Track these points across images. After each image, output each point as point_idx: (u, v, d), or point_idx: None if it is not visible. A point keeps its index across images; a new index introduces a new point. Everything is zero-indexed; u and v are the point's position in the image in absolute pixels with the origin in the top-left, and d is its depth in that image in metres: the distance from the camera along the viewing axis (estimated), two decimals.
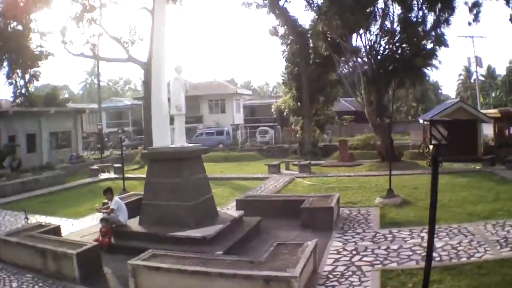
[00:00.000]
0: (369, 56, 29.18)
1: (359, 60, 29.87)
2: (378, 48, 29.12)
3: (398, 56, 28.58)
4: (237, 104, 64.31)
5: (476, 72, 51.31)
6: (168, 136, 13.47)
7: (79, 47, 41.40)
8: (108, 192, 13.17)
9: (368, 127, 53.04)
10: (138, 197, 15.67)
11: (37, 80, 41.07)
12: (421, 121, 36.92)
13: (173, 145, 13.33)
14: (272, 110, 55.66)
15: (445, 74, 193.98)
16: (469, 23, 29.71)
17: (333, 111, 44.31)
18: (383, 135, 29.05)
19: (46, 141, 37.00)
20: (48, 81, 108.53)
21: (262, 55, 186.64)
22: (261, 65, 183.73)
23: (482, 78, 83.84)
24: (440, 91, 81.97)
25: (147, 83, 40.90)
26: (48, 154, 36.72)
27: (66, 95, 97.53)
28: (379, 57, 29.04)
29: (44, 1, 36.36)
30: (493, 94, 79.82)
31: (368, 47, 29.05)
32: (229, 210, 15.96)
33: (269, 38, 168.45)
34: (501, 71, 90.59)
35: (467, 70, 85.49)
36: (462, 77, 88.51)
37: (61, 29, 39.09)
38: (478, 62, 48.53)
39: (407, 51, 28.40)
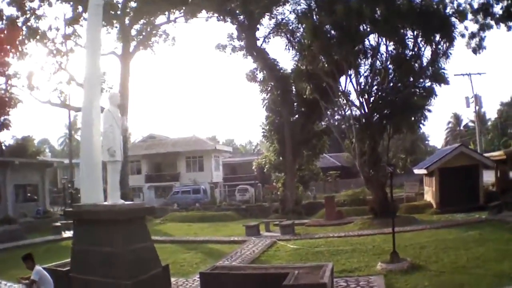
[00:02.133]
0: (360, 99, 26.31)
1: (349, 104, 27.05)
2: (370, 90, 26.31)
3: (393, 97, 25.58)
4: (216, 161, 61.89)
5: (475, 111, 48.45)
6: (100, 190, 10.32)
7: (47, 94, 38.57)
8: (28, 260, 10.18)
9: (354, 182, 50.76)
10: None
11: (8, 129, 38.44)
12: (417, 171, 34.16)
13: (105, 203, 10.23)
14: (253, 167, 53.07)
15: (432, 124, 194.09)
16: (474, 51, 27.88)
17: (317, 166, 41.48)
18: (376, 189, 25.99)
19: (11, 193, 34.76)
20: (28, 133, 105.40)
21: (246, 112, 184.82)
22: (245, 123, 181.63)
23: (472, 124, 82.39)
24: (427, 142, 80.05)
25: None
26: (12, 207, 34.29)
27: (47, 150, 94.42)
28: (371, 99, 26.21)
29: (15, 46, 33.76)
30: (483, 139, 77.95)
31: (358, 89, 26.24)
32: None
33: (249, 87, 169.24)
34: (491, 114, 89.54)
35: (456, 117, 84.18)
36: (450, 124, 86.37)
37: (27, 74, 36.33)
38: (477, 100, 45.91)
39: (403, 91, 25.57)
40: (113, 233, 9.27)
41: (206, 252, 20.07)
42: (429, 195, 32.33)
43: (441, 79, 25.33)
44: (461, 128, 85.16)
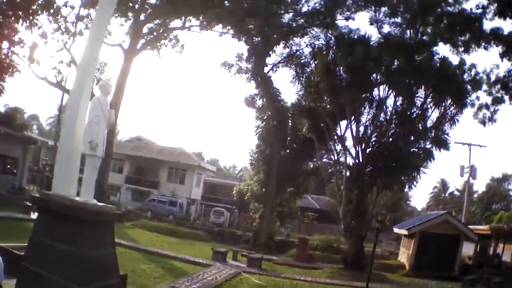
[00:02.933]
0: (357, 148, 25.98)
1: (345, 150, 26.76)
2: (368, 140, 26.09)
3: (390, 153, 25.10)
4: (198, 178, 61.18)
5: (468, 182, 48.20)
6: (74, 183, 9.48)
7: (45, 71, 37.49)
8: None
9: (330, 228, 50.21)
10: None
11: (0, 95, 37.21)
12: (397, 230, 33.74)
13: (76, 198, 9.37)
14: (234, 192, 52.43)
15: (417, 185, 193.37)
16: (483, 123, 27.91)
17: (297, 205, 40.97)
18: (354, 240, 25.50)
19: None
20: (21, 106, 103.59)
21: (236, 136, 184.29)
22: (232, 146, 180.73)
23: (457, 193, 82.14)
24: (408, 202, 79.56)
25: None
26: None
27: (34, 127, 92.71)
28: (368, 150, 25.95)
29: (27, 15, 33.00)
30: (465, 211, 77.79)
31: (356, 137, 25.95)
32: None
33: (244, 112, 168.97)
34: (478, 187, 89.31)
35: (443, 183, 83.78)
36: (436, 190, 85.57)
37: (31, 45, 35.52)
38: (473, 172, 45.65)
39: (402, 149, 25.22)
40: (77, 232, 8.55)
41: (168, 268, 19.26)
42: (404, 256, 31.88)
43: (443, 144, 25.19)
44: (446, 195, 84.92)
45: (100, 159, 9.63)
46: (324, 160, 34.78)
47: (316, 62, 27.60)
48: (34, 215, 26.19)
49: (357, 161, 25.85)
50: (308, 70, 29.47)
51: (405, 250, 32.01)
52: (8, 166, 36.32)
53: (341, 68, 25.40)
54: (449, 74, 24.27)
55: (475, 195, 79.54)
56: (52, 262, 8.57)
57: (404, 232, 31.34)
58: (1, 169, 35.43)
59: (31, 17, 33.44)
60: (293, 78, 29.96)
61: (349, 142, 26.87)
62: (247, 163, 41.56)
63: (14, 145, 36.12)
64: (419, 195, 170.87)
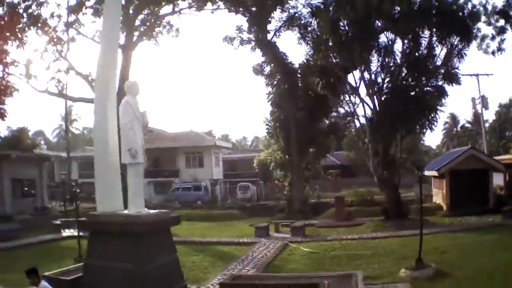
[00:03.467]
0: (373, 97, 25.47)
1: (361, 100, 26.25)
2: (381, 87, 25.60)
3: (405, 97, 24.68)
4: (216, 157, 60.23)
5: (482, 114, 47.60)
6: (118, 196, 9.02)
7: (44, 83, 36.81)
8: (32, 275, 8.38)
9: (354, 182, 49.85)
10: None
11: (3, 119, 36.63)
12: (426, 173, 33.25)
13: (125, 211, 8.88)
14: (254, 164, 52.01)
15: None
16: (493, 53, 27.75)
17: (320, 165, 40.52)
18: (389, 190, 25.18)
19: (8, 188, 33.01)
20: (23, 124, 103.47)
21: (240, 107, 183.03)
22: (238, 118, 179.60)
23: (468, 125, 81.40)
24: (422, 141, 78.78)
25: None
26: (10, 202, 32.55)
27: (42, 142, 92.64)
28: (383, 97, 25.42)
29: (15, 34, 32.32)
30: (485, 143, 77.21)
31: (370, 85, 25.47)
32: None
33: (248, 85, 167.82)
34: (488, 116, 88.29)
35: (453, 118, 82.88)
36: (447, 125, 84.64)
37: (25, 62, 34.89)
38: (484, 102, 44.92)
39: (415, 90, 24.95)
40: (135, 247, 8.10)
41: (216, 255, 19.09)
42: (439, 197, 31.56)
43: (454, 78, 24.85)
44: (458, 129, 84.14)
45: (142, 165, 9.08)
46: (340, 115, 34.52)
47: (317, 21, 26.93)
48: (64, 233, 26.26)
49: (375, 110, 25.41)
50: (311, 29, 28.77)
51: (438, 190, 31.70)
52: (26, 189, 35.97)
53: (345, 22, 24.99)
54: (449, 11, 23.89)
55: (487, 124, 78.79)
56: (113, 284, 8.13)
57: (434, 173, 31.12)
58: (20, 194, 35.07)
59: (19, 35, 32.80)
60: (298, 40, 29.30)
61: (363, 94, 26.47)
62: (257, 133, 41.00)
63: (28, 167, 35.86)
64: (431, 133, 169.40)
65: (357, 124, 27.56)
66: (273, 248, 19.41)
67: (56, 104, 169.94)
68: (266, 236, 22.74)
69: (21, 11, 32.94)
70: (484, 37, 28.14)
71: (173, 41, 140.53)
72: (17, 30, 32.34)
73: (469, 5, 25.74)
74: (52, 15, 34.44)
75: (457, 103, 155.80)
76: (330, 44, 25.06)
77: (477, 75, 43.69)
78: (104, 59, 9.49)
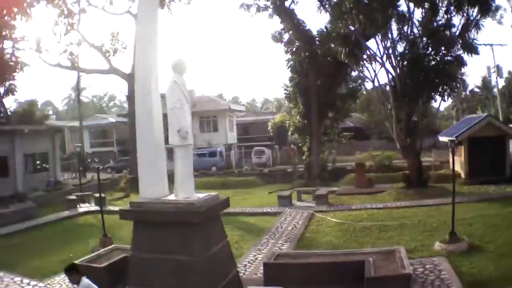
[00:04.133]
0: (395, 64, 25.27)
1: (381, 67, 26.02)
2: (404, 56, 25.35)
3: (426, 65, 24.67)
4: (230, 121, 59.58)
5: (497, 82, 47.34)
6: (164, 181, 8.61)
7: (56, 56, 36.48)
8: (72, 272, 7.55)
9: (370, 145, 49.66)
10: (124, 254, 11.32)
11: (13, 94, 36.44)
12: (443, 139, 32.92)
13: (172, 197, 8.44)
14: (269, 127, 51.57)
15: None
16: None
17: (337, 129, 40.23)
18: (412, 157, 25.15)
19: (20, 164, 32.16)
20: (31, 96, 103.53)
21: (249, 69, 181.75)
22: (247, 81, 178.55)
23: (477, 90, 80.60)
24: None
25: (131, 98, 36.52)
26: (23, 179, 31.78)
27: (50, 112, 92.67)
28: (405, 64, 25.22)
29: (22, 9, 31.77)
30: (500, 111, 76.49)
31: (391, 54, 25.27)
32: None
33: (257, 47, 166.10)
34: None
35: (462, 83, 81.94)
36: (456, 89, 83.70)
37: (36, 37, 34.50)
38: (499, 71, 44.66)
39: (435, 58, 24.88)
40: (189, 237, 7.78)
41: (243, 227, 19.08)
42: (457, 164, 31.19)
43: (472, 49, 24.64)
44: (467, 93, 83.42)
45: (191, 146, 8.75)
46: (359, 80, 34.23)
47: None
48: (80, 208, 26.18)
49: (398, 77, 25.13)
50: None
51: (456, 157, 31.30)
52: (38, 163, 35.42)
53: None
54: None
55: (495, 90, 77.84)
56: (166, 277, 7.87)
57: (451, 139, 30.57)
58: (32, 169, 34.26)
59: (28, 10, 32.23)
60: (318, 7, 29.24)
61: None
62: (267, 95, 40.57)
63: (41, 140, 35.29)
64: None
65: (377, 89, 27.28)
66: (301, 218, 19.46)
67: (65, 75, 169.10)
68: (289, 205, 22.82)
69: None
70: (497, 8, 27.08)
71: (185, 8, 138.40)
72: (25, 4, 31.81)
73: None
74: None
75: (467, 68, 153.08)
76: (353, 11, 24.59)
77: (491, 45, 43.25)
78: (143, 33, 8.97)
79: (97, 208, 24.23)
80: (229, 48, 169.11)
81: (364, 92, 36.68)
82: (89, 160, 52.64)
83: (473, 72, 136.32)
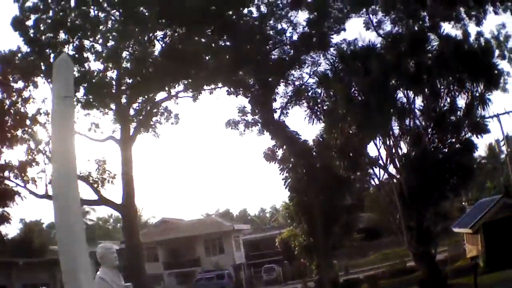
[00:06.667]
0: (398, 167, 23.88)
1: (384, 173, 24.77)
2: (409, 154, 24.01)
3: (433, 159, 23.00)
4: (236, 241, 58.68)
5: (508, 156, 45.41)
6: None
7: (43, 187, 34.99)
8: None
9: (383, 243, 47.70)
10: None
11: (8, 222, 35.04)
12: (458, 230, 31.23)
13: None
14: (277, 243, 50.02)
15: None
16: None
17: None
18: (426, 264, 23.26)
19: None
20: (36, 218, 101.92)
21: (253, 179, 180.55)
22: (255, 190, 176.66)
23: (484, 161, 79.07)
24: None
25: (125, 229, 35.26)
26: None
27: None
28: (410, 166, 23.48)
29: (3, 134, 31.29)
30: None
31: (394, 155, 24.03)
32: None
33: (258, 155, 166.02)
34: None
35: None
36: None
37: (18, 165, 33.40)
38: (509, 142, 43.02)
39: (442, 150, 23.45)
40: None
41: None
42: (473, 253, 29.35)
43: (482, 129, 23.20)
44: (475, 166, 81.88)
45: None
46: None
47: (328, 92, 25.68)
48: None
49: (405, 183, 23.47)
50: (320, 100, 27.47)
51: (473, 246, 29.52)
52: None
53: (359, 89, 23.62)
54: (475, 53, 22.42)
55: (501, 156, 76.59)
56: None
57: (468, 230, 28.86)
58: None
59: (8, 135, 31.78)
60: (310, 116, 27.58)
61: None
62: (275, 201, 38.78)
63: (40, 270, 32.94)
64: None
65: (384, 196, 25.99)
66: None
67: None
68: None
69: (6, 106, 31.79)
70: (500, 73, 25.07)
71: (173, 128, 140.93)
72: (6, 128, 31.31)
73: (482, 40, 24.36)
74: (39, 112, 32.70)
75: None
76: (347, 117, 23.46)
77: (498, 115, 42.12)
78: (61, 188, 7.51)
79: None
80: (229, 161, 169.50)
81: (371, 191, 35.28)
82: None
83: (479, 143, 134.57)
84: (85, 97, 31.77)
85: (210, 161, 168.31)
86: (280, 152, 31.98)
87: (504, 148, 44.79)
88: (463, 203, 47.04)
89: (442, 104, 23.48)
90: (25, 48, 30.64)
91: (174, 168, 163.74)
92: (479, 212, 27.88)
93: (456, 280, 24.11)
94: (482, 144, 60.69)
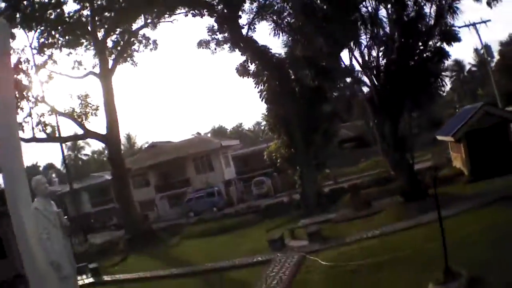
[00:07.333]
0: (370, 76, 23.71)
1: (359, 82, 24.56)
2: (377, 63, 23.72)
3: (404, 68, 22.81)
4: (225, 158, 59.06)
5: (488, 62, 45.24)
6: None
7: (30, 131, 35.04)
8: None
9: (375, 150, 48.07)
10: None
11: None
12: (441, 138, 31.38)
13: None
14: (265, 157, 50.48)
15: None
16: (488, 3, 24.85)
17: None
18: (405, 173, 23.48)
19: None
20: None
21: (248, 92, 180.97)
22: (249, 104, 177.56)
23: (475, 69, 79.07)
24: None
25: (112, 159, 35.45)
26: (19, 260, 30.18)
27: (53, 175, 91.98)
28: (381, 74, 23.54)
29: None
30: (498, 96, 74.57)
31: (364, 65, 23.71)
32: None
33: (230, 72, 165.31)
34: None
35: (459, 65, 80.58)
36: (454, 73, 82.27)
37: None
38: (488, 51, 42.81)
39: (413, 58, 23.16)
40: None
41: (230, 285, 17.78)
42: (458, 161, 29.67)
43: (452, 37, 23.03)
44: (465, 74, 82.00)
45: (72, 277, 7.56)
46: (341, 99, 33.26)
47: (289, 5, 25.21)
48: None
49: (375, 90, 23.56)
50: (286, 14, 27.02)
51: (457, 154, 29.76)
52: None
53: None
54: None
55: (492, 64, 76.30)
56: None
57: (450, 139, 29.14)
58: None
59: None
60: (275, 30, 27.54)
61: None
62: (267, 129, 38.79)
63: None
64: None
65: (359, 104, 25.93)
66: (289, 267, 17.63)
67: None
68: (281, 249, 21.05)
69: None
70: None
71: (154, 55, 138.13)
72: None
73: None
74: (19, 61, 32.85)
75: (459, 49, 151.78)
76: (309, 30, 23.18)
77: (474, 24, 41.37)
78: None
79: (94, 279, 23.91)
80: (215, 77, 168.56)
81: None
82: (92, 220, 51.96)
83: (467, 51, 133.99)
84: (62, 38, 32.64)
85: (199, 82, 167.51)
86: (252, 67, 32.44)
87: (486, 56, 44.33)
88: (456, 110, 47.06)
89: (409, 13, 22.98)
90: None
91: (165, 94, 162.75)
92: (461, 120, 27.90)
93: (439, 189, 24.25)
94: (469, 52, 60.21)
